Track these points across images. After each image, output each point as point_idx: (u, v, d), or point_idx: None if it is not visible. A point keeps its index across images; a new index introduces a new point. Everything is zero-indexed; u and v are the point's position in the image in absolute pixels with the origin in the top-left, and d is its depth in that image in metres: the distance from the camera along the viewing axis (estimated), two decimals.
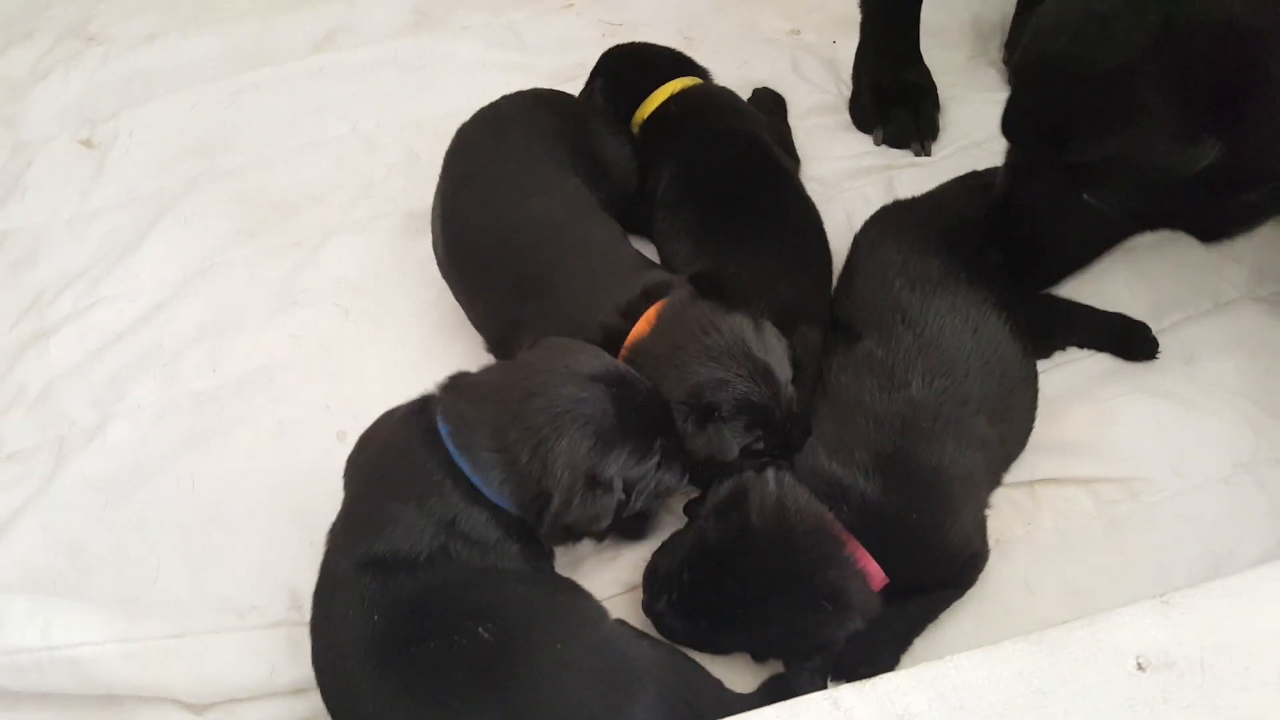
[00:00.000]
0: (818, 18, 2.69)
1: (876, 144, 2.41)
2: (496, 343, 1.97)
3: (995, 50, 2.54)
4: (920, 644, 1.70)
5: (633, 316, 1.76)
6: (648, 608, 1.66)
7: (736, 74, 2.48)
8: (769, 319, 1.77)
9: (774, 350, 1.73)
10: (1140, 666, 1.25)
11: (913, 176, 2.26)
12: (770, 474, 1.62)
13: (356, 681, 1.45)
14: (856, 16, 2.43)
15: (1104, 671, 1.25)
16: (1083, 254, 1.87)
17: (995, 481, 1.80)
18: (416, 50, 2.67)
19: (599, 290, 1.82)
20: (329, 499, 1.90)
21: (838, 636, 1.59)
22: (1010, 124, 1.76)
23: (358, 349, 2.13)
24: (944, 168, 2.28)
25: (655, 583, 1.66)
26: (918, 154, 2.38)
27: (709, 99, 2.27)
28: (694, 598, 1.61)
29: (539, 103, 2.15)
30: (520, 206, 1.94)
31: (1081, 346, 2.01)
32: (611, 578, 1.79)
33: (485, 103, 2.23)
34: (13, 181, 2.50)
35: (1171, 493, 1.85)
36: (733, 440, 1.67)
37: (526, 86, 2.50)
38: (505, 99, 2.16)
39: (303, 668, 1.67)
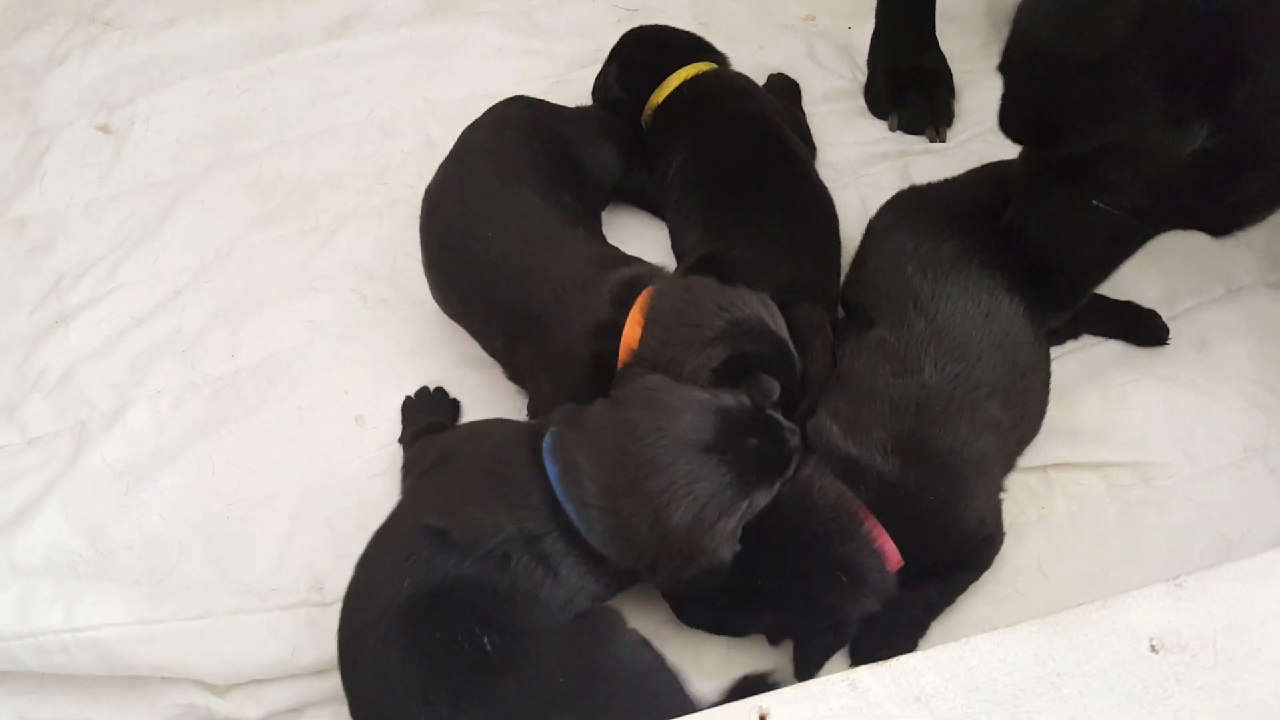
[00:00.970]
0: (833, 3, 2.68)
1: (891, 130, 2.41)
2: (513, 373, 1.98)
3: None
4: (935, 627, 1.71)
5: (622, 306, 1.75)
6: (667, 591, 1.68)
7: (751, 60, 2.48)
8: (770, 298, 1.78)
9: (784, 324, 1.74)
10: (1154, 648, 1.26)
11: (928, 163, 2.27)
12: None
13: (369, 634, 1.48)
14: (872, 2, 2.43)
15: (1118, 653, 1.26)
16: (1101, 266, 1.85)
17: (1009, 465, 1.81)
18: (432, 36, 2.66)
19: (576, 309, 1.81)
20: (348, 483, 1.94)
21: (852, 614, 1.61)
22: (1006, 121, 1.76)
23: (374, 335, 2.13)
24: (959, 154, 2.29)
25: None
26: (933, 140, 2.37)
27: (722, 83, 2.27)
28: None
29: (506, 123, 2.12)
30: (486, 247, 1.92)
31: (1091, 333, 2.02)
32: None
33: (500, 89, 2.26)
34: (31, 167, 2.50)
35: (1184, 477, 1.86)
36: (775, 384, 1.67)
37: (543, 72, 2.53)
38: (473, 129, 2.13)
39: (323, 649, 1.69)
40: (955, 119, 2.40)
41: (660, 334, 1.70)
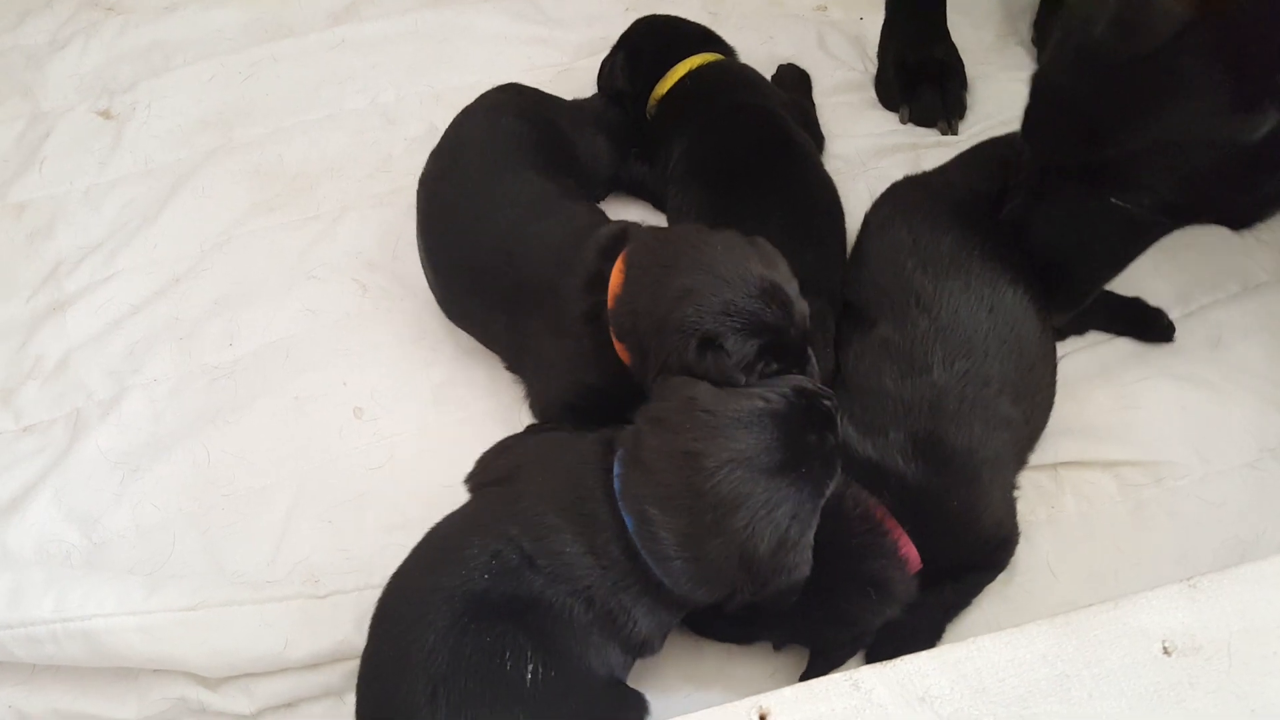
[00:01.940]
0: None
1: (902, 122, 2.38)
2: (514, 363, 1.96)
3: (1024, 29, 2.51)
4: None
5: (609, 258, 1.73)
6: None
7: (761, 50, 2.46)
8: None
9: (778, 264, 1.66)
10: (1166, 651, 1.24)
11: (939, 155, 2.22)
12: None
13: (422, 599, 1.46)
14: None
15: (1130, 655, 1.24)
16: (1113, 262, 1.83)
17: (1021, 462, 1.79)
18: (437, 22, 2.64)
19: (571, 268, 1.79)
20: (345, 475, 1.93)
21: (875, 624, 1.58)
22: (1037, 127, 1.73)
23: (374, 325, 2.11)
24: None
25: None
26: (944, 133, 2.34)
27: (725, 75, 2.24)
28: None
29: (501, 110, 2.10)
30: (487, 227, 1.91)
31: (1098, 330, 2.00)
32: None
33: (505, 77, 2.23)
34: (31, 152, 2.48)
35: (1196, 477, 1.84)
36: (738, 372, 1.57)
37: (549, 61, 2.52)
38: (466, 115, 2.11)
39: (318, 642, 1.69)
40: (967, 111, 2.37)
41: (638, 276, 1.67)
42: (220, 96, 2.55)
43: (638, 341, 1.66)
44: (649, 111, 2.25)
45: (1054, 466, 1.85)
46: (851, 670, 1.25)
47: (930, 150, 2.29)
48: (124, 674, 1.72)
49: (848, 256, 2.02)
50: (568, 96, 2.28)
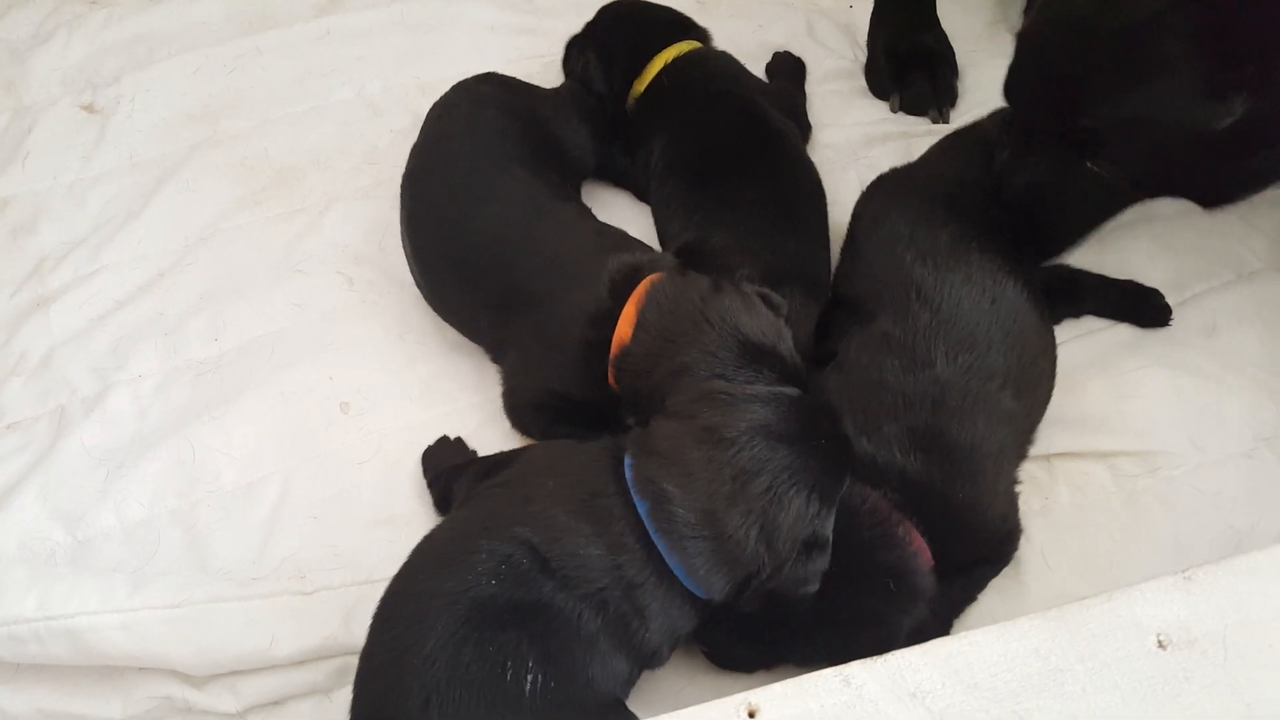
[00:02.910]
0: None
1: (893, 110, 2.37)
2: (497, 355, 1.95)
3: (1015, 16, 2.48)
4: None
5: (619, 297, 1.72)
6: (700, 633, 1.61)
7: (751, 38, 2.45)
8: (754, 283, 1.74)
9: (768, 323, 1.68)
10: (1161, 644, 1.22)
11: (930, 144, 2.21)
12: None
13: (422, 602, 1.43)
14: None
15: (1124, 649, 1.22)
16: (1083, 225, 1.85)
17: (1022, 455, 1.77)
18: (424, 13, 2.62)
19: (573, 290, 1.78)
20: (332, 470, 1.91)
21: (903, 624, 1.54)
22: (1016, 88, 1.73)
23: (361, 319, 2.10)
24: None
25: None
26: (935, 121, 2.33)
27: (702, 65, 2.21)
28: None
29: (484, 103, 2.08)
30: (475, 223, 1.90)
31: (1094, 314, 1.99)
32: None
33: (492, 67, 2.22)
34: (14, 146, 2.46)
35: (1191, 467, 1.82)
36: None
37: (536, 51, 2.50)
38: (449, 109, 2.10)
39: (305, 640, 1.67)
40: (958, 99, 2.36)
41: (647, 341, 1.67)
42: (205, 89, 2.52)
43: (634, 392, 1.67)
44: (629, 110, 2.23)
45: (1048, 458, 1.84)
46: (841, 666, 1.23)
47: (921, 139, 2.27)
48: (109, 673, 1.70)
49: (839, 248, 2.01)
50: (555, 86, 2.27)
